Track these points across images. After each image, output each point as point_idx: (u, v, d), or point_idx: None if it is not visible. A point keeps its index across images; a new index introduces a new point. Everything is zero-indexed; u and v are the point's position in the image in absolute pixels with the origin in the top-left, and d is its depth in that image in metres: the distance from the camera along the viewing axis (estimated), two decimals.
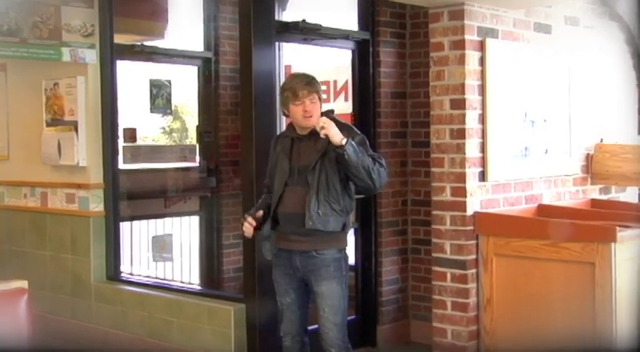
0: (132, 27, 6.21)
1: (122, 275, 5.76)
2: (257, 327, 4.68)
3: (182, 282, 6.28)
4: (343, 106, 5.53)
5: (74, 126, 5.59)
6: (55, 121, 5.74)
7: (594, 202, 5.23)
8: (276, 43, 5.09)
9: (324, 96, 4.12)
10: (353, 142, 3.60)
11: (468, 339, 4.48)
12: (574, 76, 5.09)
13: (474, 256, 4.49)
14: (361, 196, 4.52)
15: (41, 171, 5.89)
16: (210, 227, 6.51)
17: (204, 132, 6.47)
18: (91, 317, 5.65)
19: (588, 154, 5.28)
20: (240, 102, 5.06)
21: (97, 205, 5.63)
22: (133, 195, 6.13)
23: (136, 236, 6.32)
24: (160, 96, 6.13)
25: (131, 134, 5.99)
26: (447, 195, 4.50)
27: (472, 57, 4.47)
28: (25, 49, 5.26)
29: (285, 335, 3.94)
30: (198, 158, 6.46)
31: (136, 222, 6.30)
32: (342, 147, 3.55)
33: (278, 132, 4.43)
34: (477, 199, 4.50)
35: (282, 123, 4.83)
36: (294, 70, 5.71)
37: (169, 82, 6.18)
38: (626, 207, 5.13)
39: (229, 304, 4.85)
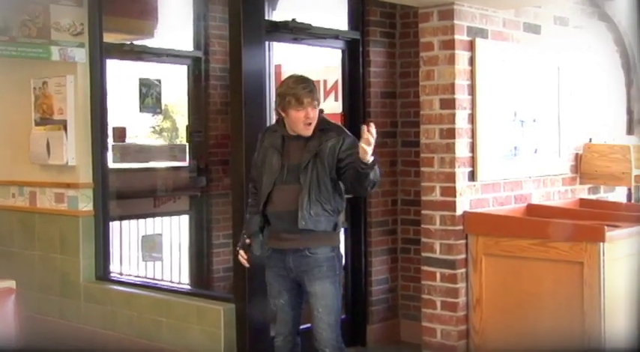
0: (121, 26, 6.18)
1: (111, 275, 5.73)
2: (247, 327, 4.67)
3: (172, 282, 6.26)
4: (333, 106, 5.52)
5: (63, 125, 5.57)
6: (44, 120, 5.71)
7: (583, 202, 5.25)
8: (266, 43, 5.10)
9: None
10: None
11: (457, 339, 4.49)
12: (563, 75, 5.12)
13: (463, 256, 4.51)
14: (350, 196, 4.52)
15: (30, 170, 5.86)
16: (200, 226, 6.50)
17: (194, 131, 6.45)
18: (80, 317, 5.62)
19: (577, 154, 5.30)
20: (230, 101, 5.05)
21: (86, 205, 5.61)
22: (123, 194, 6.10)
23: (126, 235, 6.29)
24: (149, 96, 6.11)
25: (121, 133, 5.97)
26: (437, 195, 4.51)
27: (462, 57, 4.48)
28: (14, 47, 5.22)
29: (277, 335, 3.94)
30: (188, 157, 6.45)
31: (125, 222, 6.26)
32: (368, 166, 3.48)
33: None
34: (467, 199, 4.51)
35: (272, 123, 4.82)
36: (284, 69, 5.70)
37: (159, 81, 6.16)
38: (614, 206, 5.16)
39: (219, 304, 4.83)
